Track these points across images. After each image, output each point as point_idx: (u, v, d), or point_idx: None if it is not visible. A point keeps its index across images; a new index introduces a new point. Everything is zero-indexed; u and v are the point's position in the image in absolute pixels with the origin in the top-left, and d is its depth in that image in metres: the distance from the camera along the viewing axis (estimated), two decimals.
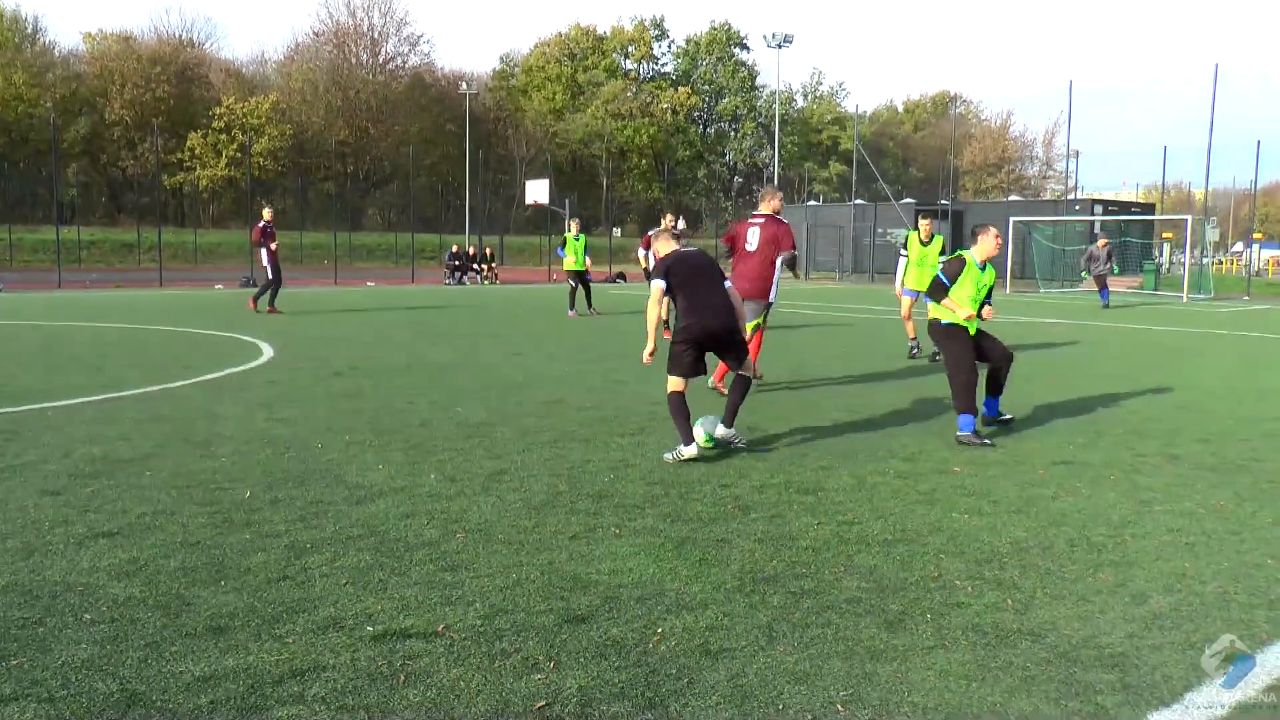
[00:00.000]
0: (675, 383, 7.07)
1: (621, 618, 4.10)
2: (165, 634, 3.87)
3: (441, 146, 74.59)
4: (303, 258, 53.21)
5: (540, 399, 9.60)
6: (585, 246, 21.33)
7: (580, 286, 21.21)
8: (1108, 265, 27.11)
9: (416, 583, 4.47)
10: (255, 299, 20.60)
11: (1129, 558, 4.99)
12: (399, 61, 79.25)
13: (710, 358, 7.33)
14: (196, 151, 65.49)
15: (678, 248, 7.49)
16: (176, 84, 68.97)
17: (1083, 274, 33.50)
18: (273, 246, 20.29)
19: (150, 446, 7.19)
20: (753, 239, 9.85)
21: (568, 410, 9.00)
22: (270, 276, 20.35)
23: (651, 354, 7.32)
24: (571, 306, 20.99)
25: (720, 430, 7.27)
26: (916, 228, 13.76)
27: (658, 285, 7.24)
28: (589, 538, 5.17)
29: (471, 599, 4.28)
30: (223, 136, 65.59)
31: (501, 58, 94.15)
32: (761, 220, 9.93)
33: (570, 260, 21.12)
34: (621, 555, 4.88)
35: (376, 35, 77.70)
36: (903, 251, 14.02)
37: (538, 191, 48.09)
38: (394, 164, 71.29)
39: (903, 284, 13.97)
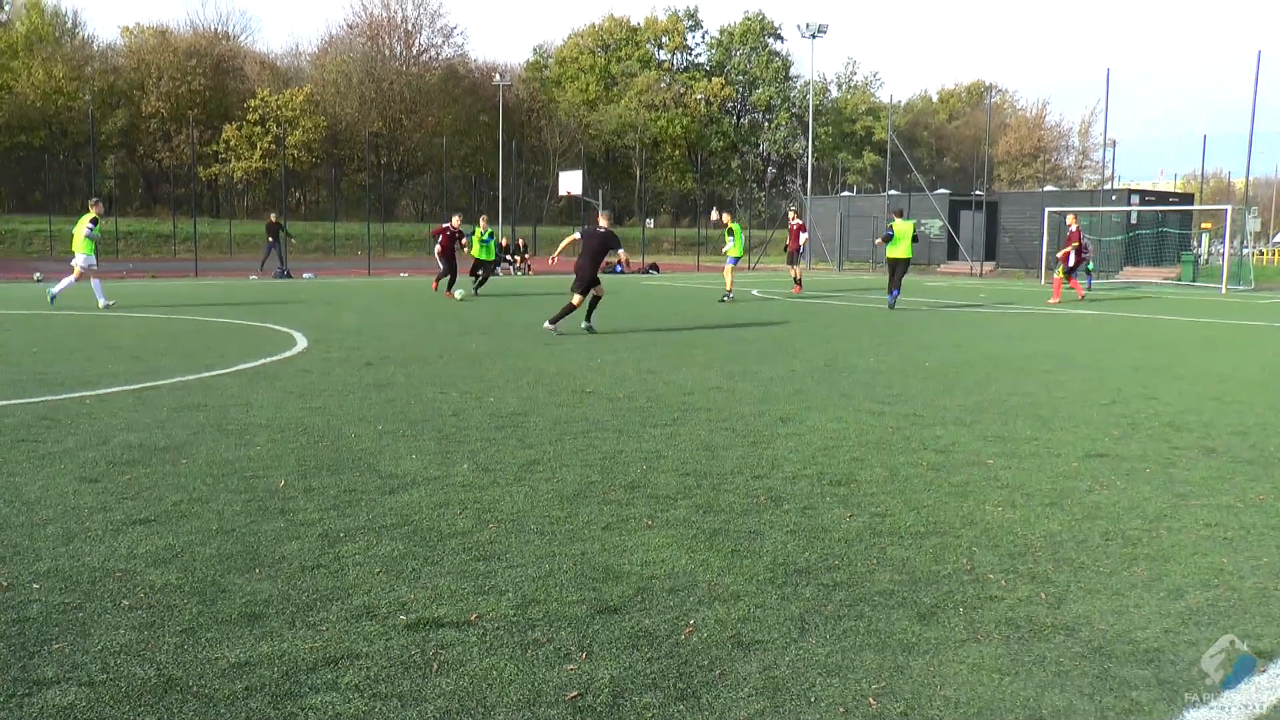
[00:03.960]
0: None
1: (653, 609, 4.11)
2: (201, 620, 3.91)
3: (474, 138, 74.71)
4: (336, 248, 53.62)
5: (572, 388, 9.62)
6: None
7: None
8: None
9: (449, 572, 4.50)
10: (436, 283, 24.38)
11: (1164, 552, 4.94)
12: (432, 53, 79.41)
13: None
14: (231, 143, 65.85)
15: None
16: (211, 77, 69.42)
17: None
18: (443, 238, 24.10)
19: (186, 435, 7.27)
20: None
21: (600, 400, 9.02)
22: (443, 267, 23.90)
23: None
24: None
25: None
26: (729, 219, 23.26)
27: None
28: (621, 528, 5.18)
29: (504, 589, 4.30)
30: (257, 129, 65.92)
31: (535, 49, 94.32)
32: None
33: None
34: (654, 546, 4.89)
35: (410, 27, 77.91)
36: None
37: (571, 182, 48.17)
38: (427, 155, 71.45)
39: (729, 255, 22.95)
